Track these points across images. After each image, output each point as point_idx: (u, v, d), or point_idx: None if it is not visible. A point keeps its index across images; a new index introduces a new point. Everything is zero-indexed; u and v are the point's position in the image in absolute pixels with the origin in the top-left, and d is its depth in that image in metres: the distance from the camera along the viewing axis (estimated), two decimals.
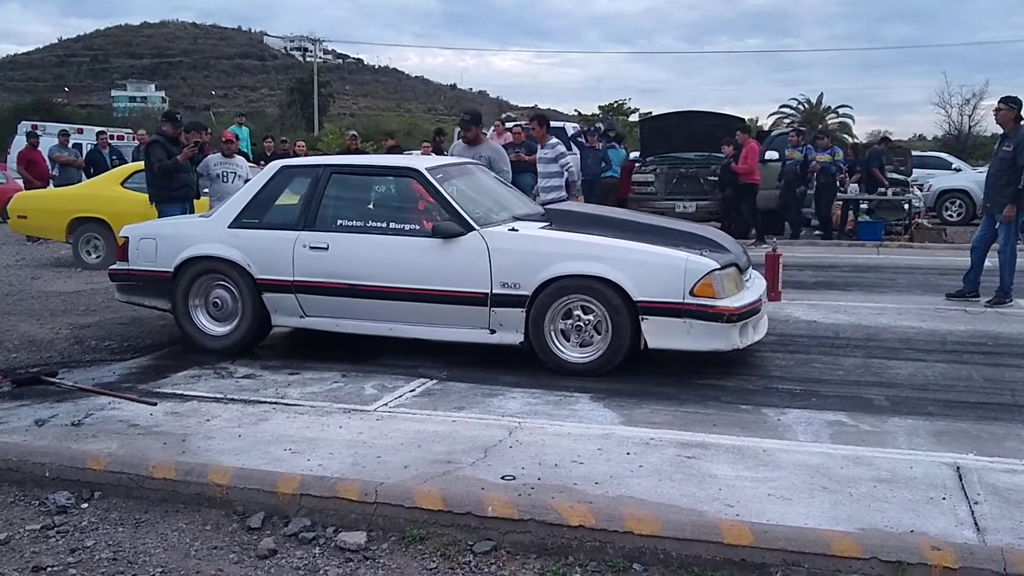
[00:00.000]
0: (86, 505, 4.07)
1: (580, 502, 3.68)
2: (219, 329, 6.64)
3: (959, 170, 19.90)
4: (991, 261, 8.64)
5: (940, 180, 19.48)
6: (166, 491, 4.09)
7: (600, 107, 51.08)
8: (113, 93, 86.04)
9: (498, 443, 4.46)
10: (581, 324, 5.83)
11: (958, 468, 4.09)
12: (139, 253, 6.83)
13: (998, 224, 8.45)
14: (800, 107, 49.52)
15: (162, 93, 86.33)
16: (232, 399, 5.36)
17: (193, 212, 9.25)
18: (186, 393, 5.50)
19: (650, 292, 5.62)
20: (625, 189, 15.44)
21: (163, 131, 9.58)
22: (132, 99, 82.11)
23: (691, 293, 5.56)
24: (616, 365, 5.74)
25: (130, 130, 24.52)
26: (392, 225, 6.23)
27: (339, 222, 6.36)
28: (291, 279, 6.36)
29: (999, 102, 8.56)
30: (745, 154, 13.97)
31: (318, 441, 4.53)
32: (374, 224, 6.28)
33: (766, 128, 33.36)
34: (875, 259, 12.67)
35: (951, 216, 18.29)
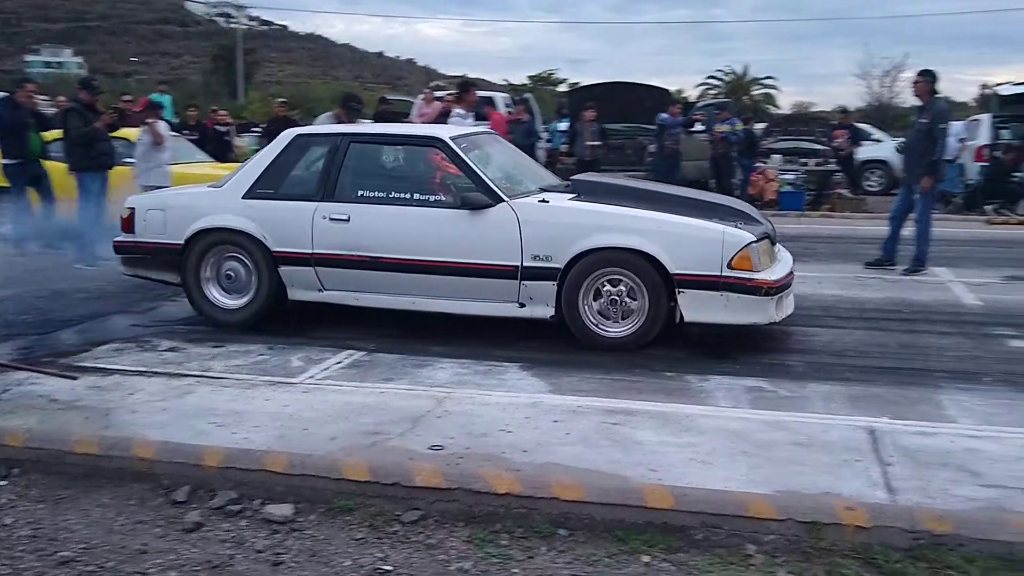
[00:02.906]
0: (4, 482, 4.00)
1: (508, 470, 3.73)
2: (232, 303, 6.43)
3: (879, 141, 20.31)
4: (908, 230, 8.90)
5: (861, 151, 19.88)
6: (88, 466, 4.04)
7: (530, 77, 51.02)
8: (27, 59, 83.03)
9: (427, 413, 4.48)
10: (616, 298, 5.71)
11: (872, 431, 4.23)
12: (146, 224, 6.57)
13: (916, 195, 8.70)
14: (726, 78, 50.03)
15: (79, 59, 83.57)
16: (156, 372, 5.28)
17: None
18: (108, 367, 5.39)
19: (687, 265, 5.53)
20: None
21: (80, 98, 9.32)
22: (47, 65, 79.25)
23: (729, 266, 5.49)
24: (651, 339, 5.70)
25: (47, 97, 23.71)
26: (416, 196, 6.07)
27: (360, 193, 6.16)
28: (310, 251, 6.14)
29: (917, 75, 8.78)
30: None
31: (244, 414, 4.49)
32: (397, 195, 6.11)
33: (692, 99, 33.66)
34: (797, 228, 12.92)
35: (871, 186, 18.71)
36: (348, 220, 6.06)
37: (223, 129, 15.58)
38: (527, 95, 19.92)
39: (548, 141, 17.65)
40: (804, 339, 6.07)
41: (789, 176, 15.75)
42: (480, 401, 4.70)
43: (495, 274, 5.85)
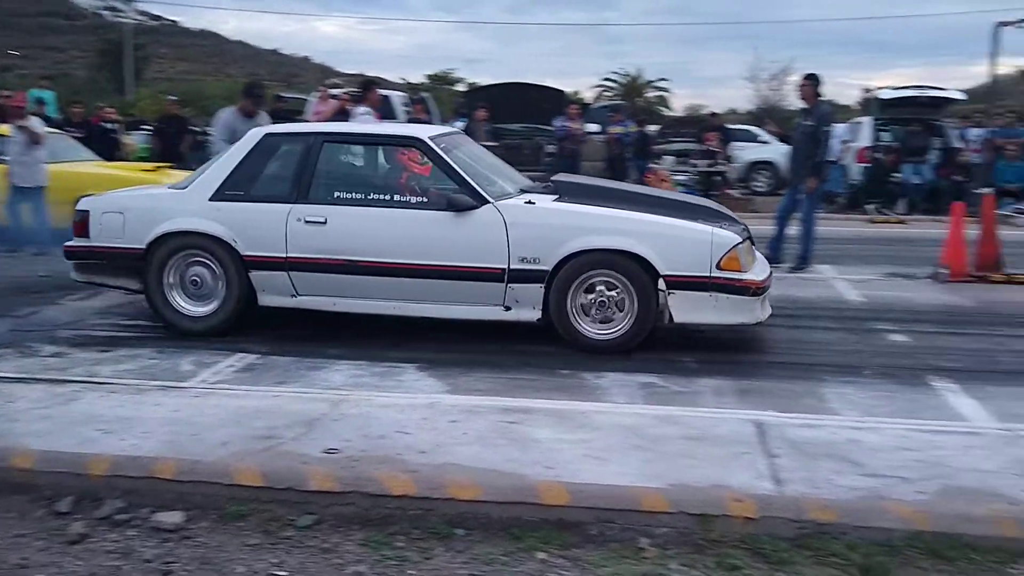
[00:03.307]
0: None
1: (404, 472, 3.71)
2: (199, 309, 6.13)
3: (767, 142, 20.92)
4: (795, 229, 9.19)
5: (749, 152, 20.46)
6: None
7: (428, 76, 50.84)
8: None
9: (322, 416, 4.42)
10: (604, 300, 5.66)
11: (760, 424, 4.35)
12: (102, 228, 6.22)
13: (801, 195, 9.00)
14: (621, 80, 50.80)
15: None
16: (38, 379, 5.07)
17: None
18: None
19: (677, 266, 5.53)
20: None
21: None
22: None
23: (717, 267, 5.52)
24: (640, 341, 5.67)
25: None
26: (397, 197, 5.91)
27: (336, 194, 5.97)
28: (283, 255, 5.91)
29: (802, 78, 9.09)
30: None
31: (132, 420, 4.36)
32: (376, 196, 5.95)
33: (588, 101, 34.10)
34: None
35: (759, 186, 19.26)
36: (325, 222, 5.87)
37: (110, 126, 15.07)
38: (424, 94, 19.86)
39: None
40: (695, 335, 6.20)
41: (681, 177, 16.09)
42: (377, 403, 4.67)
43: (481, 277, 5.74)
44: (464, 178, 5.87)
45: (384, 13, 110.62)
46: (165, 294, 6.13)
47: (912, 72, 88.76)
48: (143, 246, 6.09)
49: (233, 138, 7.93)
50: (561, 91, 17.01)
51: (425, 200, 5.86)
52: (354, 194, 5.97)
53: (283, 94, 20.39)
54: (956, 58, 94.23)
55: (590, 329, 5.71)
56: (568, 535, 3.36)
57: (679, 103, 50.63)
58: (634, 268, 5.59)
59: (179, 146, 13.60)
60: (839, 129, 16.35)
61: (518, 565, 3.21)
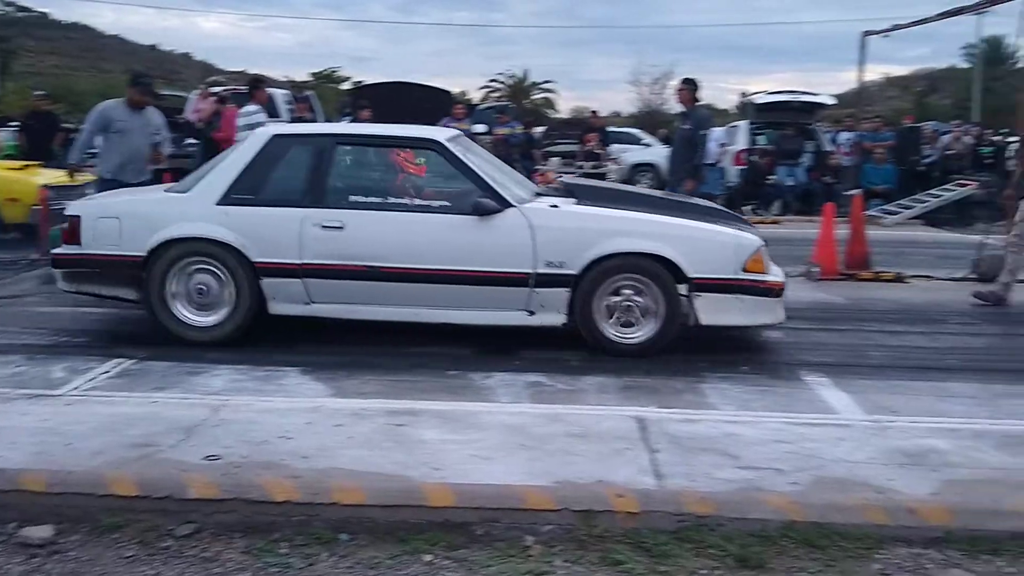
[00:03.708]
0: None
1: (287, 477, 3.65)
2: (204, 319, 5.83)
3: (649, 145, 21.38)
4: None
5: (632, 154, 20.87)
6: None
7: (312, 74, 50.06)
8: None
9: (201, 423, 4.31)
10: (631, 304, 5.65)
11: (642, 420, 4.44)
12: (96, 235, 5.87)
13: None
14: (508, 82, 51.11)
15: None
16: None
17: None
18: None
19: (704, 269, 5.56)
20: None
21: None
22: None
23: (743, 269, 5.59)
24: (667, 344, 5.67)
25: None
26: (416, 201, 5.76)
27: (353, 198, 5.77)
28: (298, 262, 5.69)
29: (680, 83, 9.32)
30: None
31: None
32: (395, 200, 5.77)
33: (475, 101, 34.19)
34: None
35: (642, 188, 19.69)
36: (342, 227, 5.68)
37: None
38: (308, 92, 19.55)
39: None
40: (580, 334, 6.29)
41: (567, 179, 16.27)
42: (259, 408, 4.57)
43: (506, 282, 5.66)
44: (486, 181, 5.77)
45: (268, 10, 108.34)
46: (168, 304, 5.82)
47: (786, 77, 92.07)
48: (143, 253, 5.77)
49: (109, 128, 7.65)
50: (447, 91, 17.00)
51: (447, 204, 5.74)
52: (372, 198, 5.79)
53: (162, 91, 19.73)
54: (827, 64, 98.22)
55: (616, 333, 5.71)
56: (454, 536, 3.36)
57: (565, 105, 51.32)
58: (661, 271, 5.60)
59: (49, 143, 13.01)
60: (717, 132, 16.82)
61: (404, 568, 3.19)
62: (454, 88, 27.31)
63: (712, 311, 5.65)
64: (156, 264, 5.77)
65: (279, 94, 17.05)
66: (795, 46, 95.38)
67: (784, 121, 16.53)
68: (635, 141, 22.27)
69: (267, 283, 5.76)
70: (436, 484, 3.59)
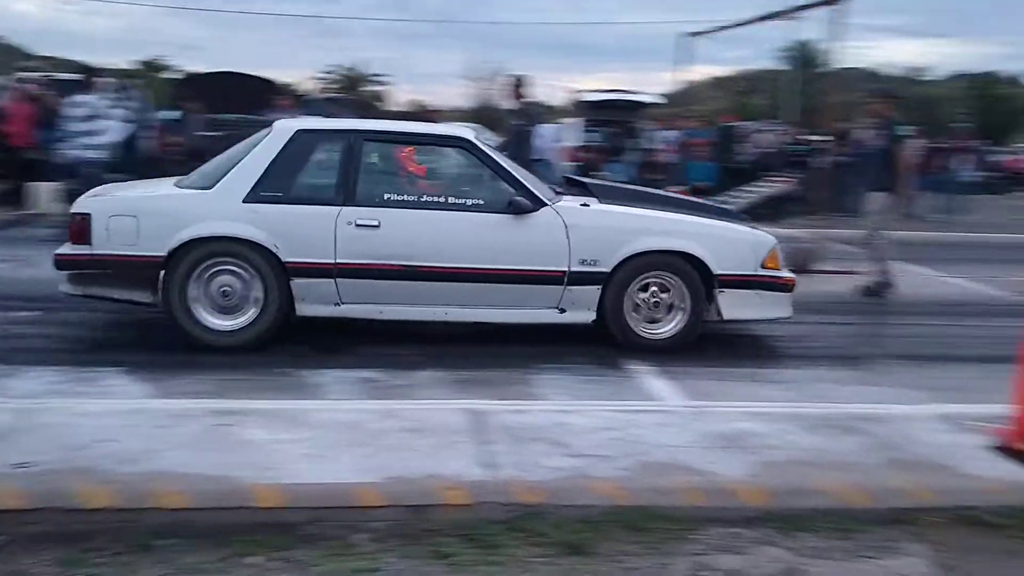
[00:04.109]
0: None
1: (105, 483, 3.49)
2: (228, 323, 5.57)
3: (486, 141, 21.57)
4: None
5: None
6: None
7: (138, 62, 47.73)
8: None
9: (12, 429, 4.05)
10: (659, 300, 5.82)
11: (475, 413, 4.47)
12: (110, 234, 5.46)
13: None
14: (342, 73, 50.33)
15: None
16: None
17: None
18: None
19: (727, 266, 5.78)
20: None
21: None
22: None
23: (762, 266, 5.86)
24: (693, 339, 5.85)
25: None
26: (450, 199, 5.69)
27: (386, 196, 5.66)
28: (332, 261, 5.53)
29: (510, 79, 9.47)
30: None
31: None
32: (428, 198, 5.69)
33: (305, 92, 33.48)
34: None
35: None
36: (378, 226, 5.56)
37: None
38: (129, 81, 18.66)
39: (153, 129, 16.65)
40: (417, 330, 6.28)
41: None
42: (77, 411, 4.33)
43: (541, 280, 5.72)
44: (519, 180, 5.81)
45: None
46: (189, 307, 5.53)
47: (616, 76, 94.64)
48: (163, 254, 5.46)
49: None
50: (271, 81, 16.61)
51: (481, 202, 5.72)
52: (405, 195, 5.71)
53: None
54: (655, 63, 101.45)
55: (645, 329, 5.86)
56: (282, 537, 3.29)
57: (400, 98, 50.96)
58: (689, 268, 5.79)
59: None
60: (549, 129, 17.12)
61: (230, 571, 3.10)
62: (288, 79, 26.69)
63: (734, 306, 5.90)
64: (178, 265, 5.49)
65: (101, 83, 16.22)
66: (626, 45, 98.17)
67: (613, 119, 17.00)
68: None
69: (298, 284, 5.58)
70: (264, 485, 3.51)
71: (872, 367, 5.81)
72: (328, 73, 49.15)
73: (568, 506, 3.50)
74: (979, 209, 16.68)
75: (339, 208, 5.59)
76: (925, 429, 4.53)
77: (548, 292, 5.77)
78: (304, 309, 5.67)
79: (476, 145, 5.91)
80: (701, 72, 41.25)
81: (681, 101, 19.11)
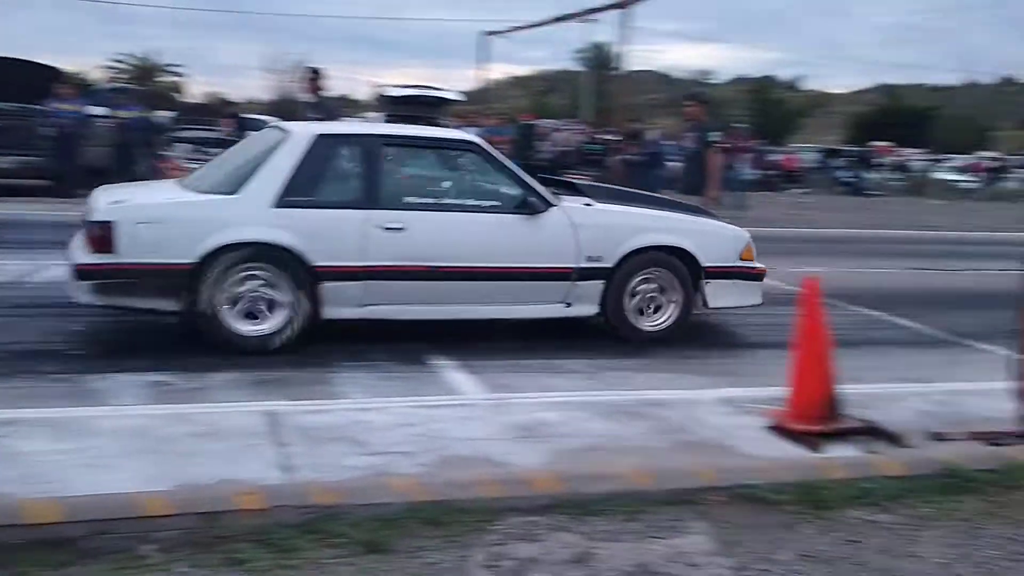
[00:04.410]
0: None
1: None
2: (255, 328, 5.52)
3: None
4: None
5: None
6: None
7: None
8: None
9: None
10: (654, 293, 6.22)
11: (272, 414, 4.37)
12: (136, 241, 5.28)
13: None
14: (133, 62, 47.84)
15: None
16: None
17: None
18: None
19: (712, 259, 6.24)
20: None
21: None
22: None
23: (739, 257, 6.39)
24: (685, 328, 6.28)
25: None
26: (467, 202, 5.95)
27: (407, 199, 5.83)
28: (360, 264, 5.60)
29: (307, 72, 9.36)
30: None
31: None
32: (447, 201, 5.96)
33: (92, 81, 31.65)
34: None
35: None
36: (404, 229, 5.68)
37: None
38: None
39: None
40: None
41: (197, 165, 15.57)
42: None
43: (552, 277, 6.03)
44: (527, 182, 6.07)
45: None
46: (218, 314, 5.43)
47: (420, 72, 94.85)
48: (193, 260, 5.32)
49: None
50: (53, 68, 15.56)
51: (496, 204, 5.97)
52: (426, 199, 5.92)
53: None
54: (458, 61, 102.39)
55: (644, 321, 6.24)
56: (62, 553, 3.09)
57: (197, 90, 49.01)
58: (680, 263, 6.23)
59: None
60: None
61: None
62: (72, 67, 25.08)
63: (717, 295, 6.39)
64: (209, 271, 5.38)
65: None
66: (429, 41, 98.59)
67: (415, 115, 16.98)
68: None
69: (326, 287, 5.60)
70: (39, 499, 3.28)
71: (660, 355, 6.07)
72: (118, 62, 46.58)
73: (367, 505, 3.47)
74: (757, 205, 17.77)
75: (366, 212, 5.69)
76: (709, 412, 4.81)
77: (557, 288, 6.09)
78: (330, 312, 5.69)
79: (485, 148, 6.18)
80: (501, 71, 42.04)
81: (482, 99, 19.37)
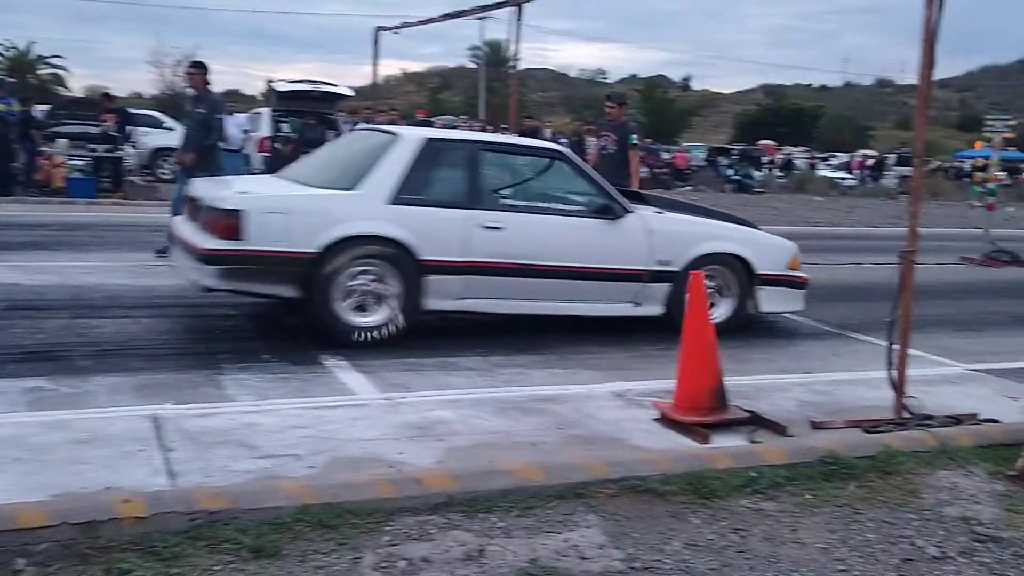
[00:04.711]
0: None
1: None
2: (364, 319, 5.84)
3: (172, 129, 20.43)
4: None
5: (154, 138, 19.83)
6: None
7: None
8: None
9: None
10: (715, 292, 6.66)
11: (156, 419, 4.23)
12: (262, 230, 5.58)
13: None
14: (6, 54, 45.71)
15: None
16: None
17: None
18: None
19: (765, 266, 6.73)
20: None
21: None
22: None
23: (787, 267, 6.90)
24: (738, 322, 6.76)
25: None
26: (556, 205, 6.43)
27: (504, 201, 6.28)
28: (461, 260, 5.99)
29: (190, 67, 9.07)
30: None
31: None
32: (539, 204, 6.38)
33: None
34: (87, 217, 12.45)
35: (165, 173, 18.75)
36: (503, 228, 6.10)
37: None
38: None
39: None
40: (89, 331, 5.87)
41: (78, 162, 15.01)
42: None
43: (628, 277, 6.48)
44: (607, 189, 6.57)
45: None
46: (332, 303, 5.73)
47: (312, 67, 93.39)
48: (315, 250, 5.62)
49: None
50: None
51: (581, 208, 6.47)
52: (521, 201, 6.34)
53: None
54: (351, 57, 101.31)
55: None
56: None
57: (79, 84, 47.25)
58: (738, 268, 6.75)
59: None
60: (240, 119, 16.58)
61: None
62: None
63: (768, 300, 6.87)
64: (328, 261, 5.69)
65: None
66: (322, 37, 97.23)
67: (306, 110, 16.74)
68: (158, 124, 21.20)
69: (431, 280, 5.95)
70: None
71: (556, 351, 6.12)
72: None
73: (256, 509, 3.37)
74: None
75: (469, 211, 6.09)
76: (602, 407, 4.87)
77: (630, 288, 6.54)
78: (431, 304, 6.05)
79: (571, 157, 6.80)
80: (396, 67, 41.72)
81: (376, 94, 19.17)
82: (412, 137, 6.34)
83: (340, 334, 5.78)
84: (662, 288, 6.60)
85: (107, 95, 19.27)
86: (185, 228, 6.18)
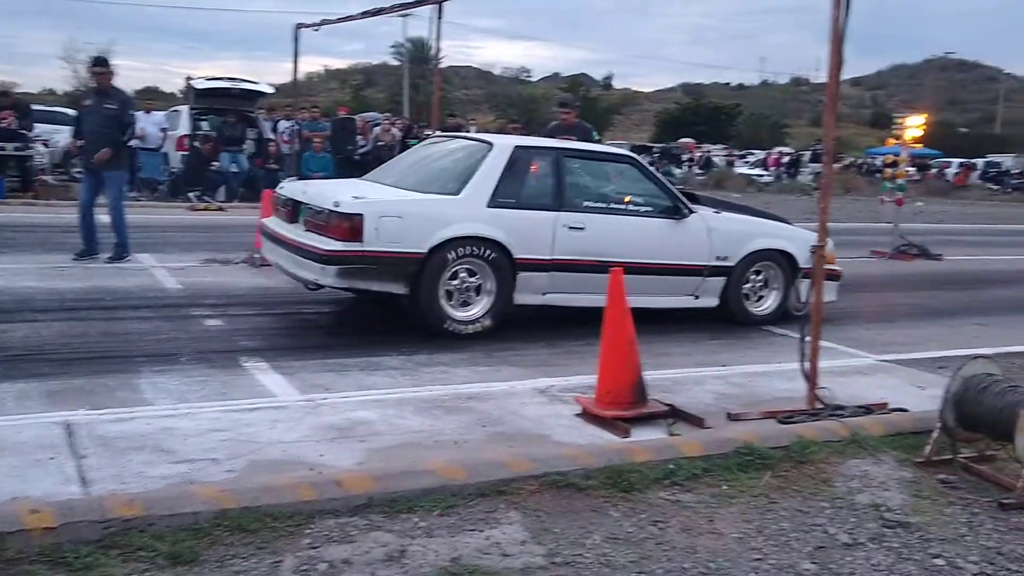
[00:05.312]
0: None
1: None
2: (463, 313, 6.40)
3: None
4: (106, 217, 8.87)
5: (67, 136, 19.27)
6: None
7: None
8: None
9: None
10: (759, 286, 7.42)
11: (68, 425, 4.13)
12: (380, 233, 6.06)
13: (106, 180, 8.75)
14: None
15: None
16: None
17: None
18: None
19: (807, 261, 6.47)
20: None
21: None
22: None
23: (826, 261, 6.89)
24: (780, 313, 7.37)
25: None
26: (631, 207, 6.98)
27: (584, 203, 6.78)
28: (550, 257, 6.56)
29: (95, 64, 8.90)
30: None
31: None
32: (613, 205, 6.92)
33: None
34: None
35: (79, 173, 18.23)
36: (584, 228, 6.67)
37: None
38: None
39: None
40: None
41: None
42: None
43: (690, 272, 7.07)
44: (673, 191, 7.24)
45: None
46: (437, 299, 6.25)
47: (233, 64, 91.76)
48: (425, 250, 6.14)
49: None
50: None
51: (651, 208, 7.04)
52: (597, 203, 6.85)
53: None
54: (272, 54, 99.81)
55: (754, 308, 7.40)
56: None
57: None
58: (784, 263, 7.37)
59: None
60: (158, 117, 16.24)
61: None
62: None
63: (807, 292, 7.12)
64: (436, 260, 6.20)
65: None
66: (242, 34, 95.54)
67: (226, 108, 16.47)
68: (72, 122, 20.59)
69: (523, 277, 6.51)
70: None
71: (479, 349, 6.12)
72: None
73: (172, 515, 3.31)
74: None
75: (556, 213, 6.64)
76: (524, 403, 4.90)
77: (691, 282, 7.13)
78: (520, 299, 6.61)
79: (640, 162, 7.49)
80: (318, 64, 41.25)
81: (297, 92, 18.94)
82: (504, 145, 6.88)
83: (442, 327, 6.29)
84: (719, 282, 7.24)
85: (4, 92, 18.61)
86: (286, 229, 6.62)
